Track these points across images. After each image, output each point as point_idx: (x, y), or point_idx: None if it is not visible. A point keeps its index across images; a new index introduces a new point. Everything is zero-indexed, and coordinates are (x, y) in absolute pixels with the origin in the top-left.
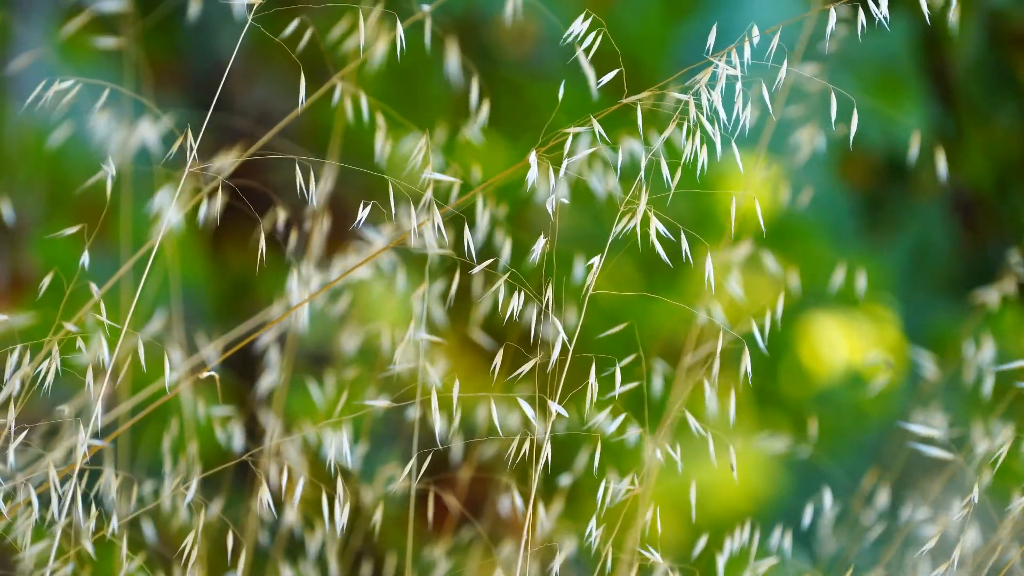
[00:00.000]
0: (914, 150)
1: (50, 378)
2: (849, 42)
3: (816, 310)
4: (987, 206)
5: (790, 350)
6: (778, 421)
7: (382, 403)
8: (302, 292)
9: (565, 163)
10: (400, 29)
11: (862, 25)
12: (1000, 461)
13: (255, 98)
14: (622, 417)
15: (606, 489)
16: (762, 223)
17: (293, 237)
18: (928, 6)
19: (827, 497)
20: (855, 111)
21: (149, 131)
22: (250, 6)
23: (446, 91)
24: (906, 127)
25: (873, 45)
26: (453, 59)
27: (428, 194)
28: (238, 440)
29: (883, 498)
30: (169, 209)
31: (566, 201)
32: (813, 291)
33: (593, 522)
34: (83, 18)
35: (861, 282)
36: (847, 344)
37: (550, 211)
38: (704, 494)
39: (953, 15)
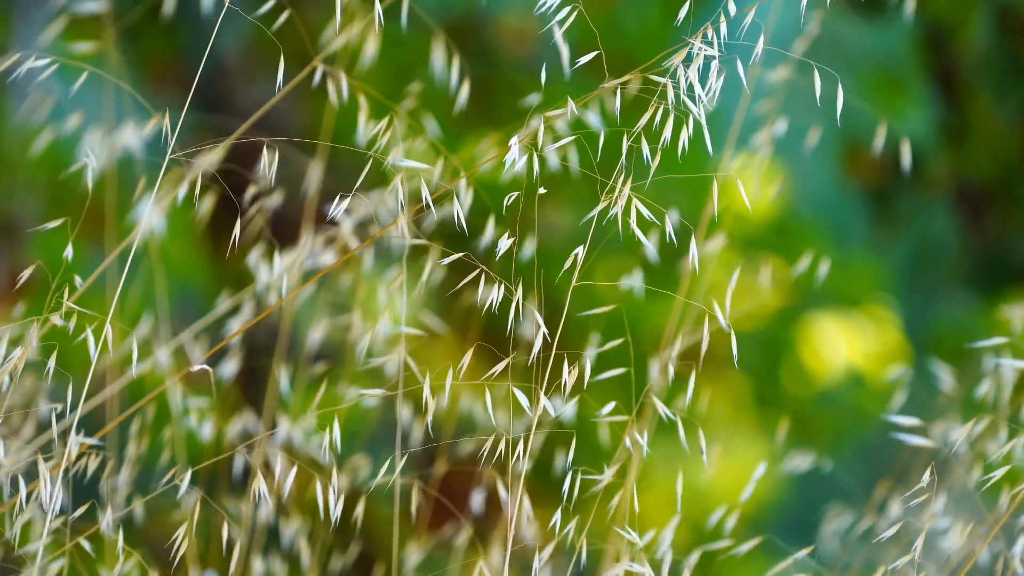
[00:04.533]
0: (906, 154)
1: (19, 371)
2: (852, 38)
3: (817, 310)
4: (993, 201)
5: (791, 350)
6: (779, 422)
7: (376, 392)
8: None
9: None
10: (379, 8)
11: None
12: (997, 458)
13: (254, 97)
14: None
15: (574, 480)
16: (748, 205)
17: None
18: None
19: (830, 501)
20: (839, 88)
21: (132, 132)
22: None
23: (441, 89)
24: (912, 122)
25: (874, 41)
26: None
27: (413, 182)
28: (231, 433)
29: (895, 509)
30: (149, 210)
31: (543, 190)
32: (814, 291)
33: (559, 514)
34: (62, 22)
35: (861, 282)
36: (848, 344)
37: (504, 205)
38: (703, 495)
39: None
